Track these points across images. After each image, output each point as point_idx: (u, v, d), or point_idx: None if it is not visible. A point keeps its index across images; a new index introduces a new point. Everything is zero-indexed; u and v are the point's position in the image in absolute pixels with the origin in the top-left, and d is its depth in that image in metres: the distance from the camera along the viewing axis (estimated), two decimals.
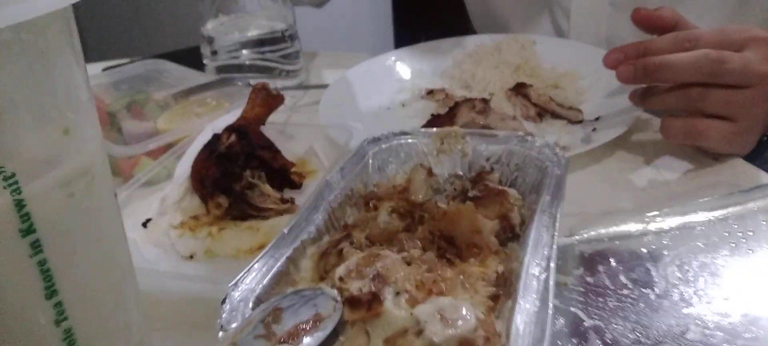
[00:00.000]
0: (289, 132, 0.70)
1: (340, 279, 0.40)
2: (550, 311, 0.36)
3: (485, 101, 0.68)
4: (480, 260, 0.43)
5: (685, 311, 0.42)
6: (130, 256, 0.30)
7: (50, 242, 0.24)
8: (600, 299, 0.45)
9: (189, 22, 0.84)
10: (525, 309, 0.37)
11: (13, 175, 0.22)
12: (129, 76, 0.79)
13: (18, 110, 0.22)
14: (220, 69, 0.79)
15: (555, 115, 0.71)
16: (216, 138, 0.60)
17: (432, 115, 0.70)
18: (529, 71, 0.77)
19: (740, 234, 0.46)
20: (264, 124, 0.65)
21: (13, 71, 0.22)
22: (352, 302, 0.38)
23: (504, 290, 0.41)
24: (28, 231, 0.23)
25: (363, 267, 0.40)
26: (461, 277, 0.41)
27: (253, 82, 0.71)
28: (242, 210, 0.57)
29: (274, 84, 0.69)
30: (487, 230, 0.44)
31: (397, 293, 0.38)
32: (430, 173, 0.53)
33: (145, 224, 0.56)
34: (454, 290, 0.40)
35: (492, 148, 0.56)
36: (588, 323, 0.43)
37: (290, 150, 0.64)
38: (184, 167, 0.61)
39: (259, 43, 0.77)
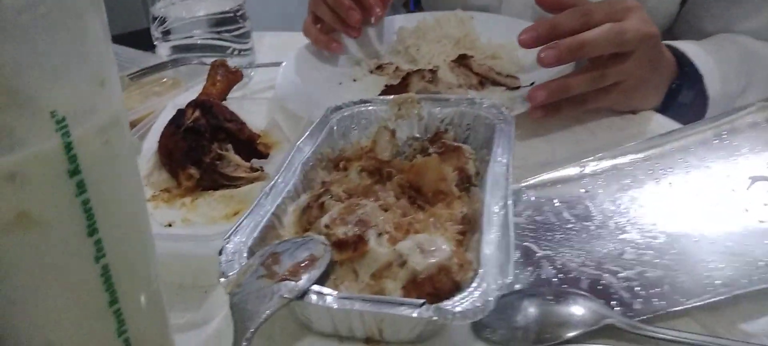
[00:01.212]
0: (248, 107, 0.72)
1: (326, 226, 0.44)
2: (512, 239, 0.42)
3: (433, 71, 0.73)
4: (446, 204, 0.48)
5: (620, 236, 0.49)
6: (146, 207, 0.33)
7: (92, 184, 0.27)
8: (548, 233, 0.51)
9: (134, 4, 0.84)
10: (490, 240, 0.43)
11: (64, 119, 0.25)
12: None
13: (66, 65, 0.25)
14: (173, 49, 0.80)
15: (495, 83, 0.77)
16: (180, 113, 0.62)
17: (386, 85, 0.75)
18: (469, 44, 0.83)
19: (662, 170, 0.54)
20: (225, 100, 0.68)
21: (59, 32, 0.24)
22: (339, 244, 0.43)
23: (469, 227, 0.46)
24: (75, 172, 0.26)
25: (345, 215, 0.45)
26: (432, 219, 0.46)
27: (207, 61, 0.73)
28: (214, 180, 0.59)
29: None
30: (450, 178, 0.50)
31: (379, 234, 0.43)
32: (393, 134, 0.58)
33: None
34: (427, 230, 0.45)
35: (445, 110, 0.61)
36: (540, 253, 0.49)
37: (252, 124, 0.66)
38: (149, 143, 0.63)
39: (211, 22, 0.78)
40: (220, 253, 0.42)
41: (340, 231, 0.43)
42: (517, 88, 0.76)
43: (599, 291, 0.44)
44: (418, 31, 0.85)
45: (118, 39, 0.85)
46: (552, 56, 0.62)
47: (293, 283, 0.38)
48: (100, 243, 0.28)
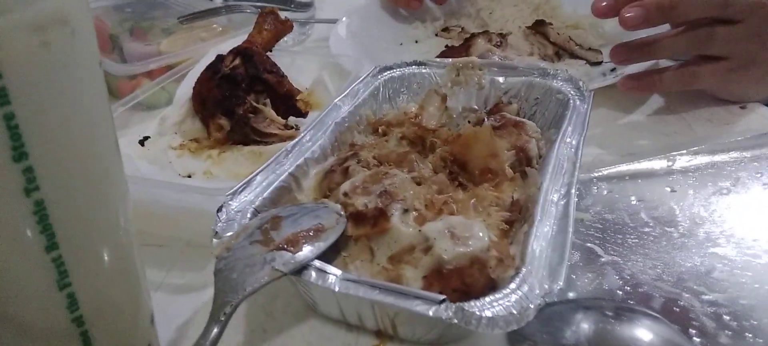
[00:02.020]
0: (298, 63, 0.67)
1: (345, 195, 0.37)
2: (570, 236, 0.34)
3: (502, 35, 0.64)
4: (495, 186, 0.40)
5: (711, 250, 0.40)
6: (119, 150, 0.28)
7: (19, 94, 0.21)
8: (619, 236, 0.42)
9: None
10: (542, 233, 0.34)
11: None
12: (132, 1, 0.75)
13: None
14: (229, 2, 0.75)
15: (573, 56, 0.67)
16: (219, 59, 0.57)
17: (446, 46, 0.67)
18: (550, 11, 0.73)
19: None
20: (271, 50, 0.62)
21: None
22: (356, 217, 0.36)
23: (519, 216, 0.38)
24: None
25: (370, 184, 0.38)
26: (473, 200, 0.39)
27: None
28: (244, 134, 0.54)
29: (284, 15, 0.66)
30: (503, 155, 0.41)
31: (405, 211, 0.36)
32: (444, 99, 0.50)
33: (142, 142, 0.53)
34: (465, 212, 0.38)
35: (511, 80, 0.52)
36: (605, 258, 0.40)
37: (297, 80, 0.61)
38: (185, 89, 0.58)
39: None
40: (220, 210, 0.36)
41: (360, 202, 0.36)
42: (600, 63, 0.66)
43: (675, 314, 0.35)
44: None
45: None
46: (638, 15, 0.52)
47: (290, 254, 0.32)
48: (31, 172, 0.22)
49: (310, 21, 0.78)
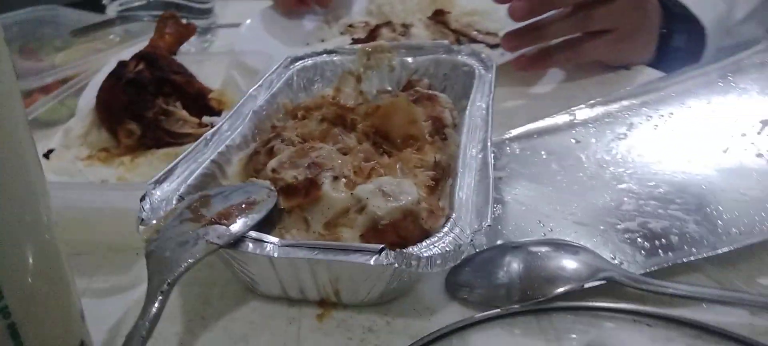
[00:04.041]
0: (204, 68, 0.65)
1: (274, 171, 0.37)
2: (491, 182, 0.36)
3: (405, 25, 0.67)
4: (417, 149, 0.41)
5: (618, 187, 0.43)
6: (35, 147, 0.26)
7: None
8: (535, 186, 0.45)
9: None
10: (466, 184, 0.36)
11: None
12: (18, 21, 0.71)
13: None
14: (126, 9, 0.72)
15: (473, 40, 0.71)
16: (122, 65, 0.55)
17: (352, 39, 0.68)
18: (447, 2, 0.77)
19: (661, 116, 0.48)
20: (175, 54, 0.61)
21: None
22: (287, 190, 0.36)
23: (443, 174, 0.40)
24: None
25: (297, 159, 0.38)
26: (399, 164, 0.40)
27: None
28: (157, 137, 0.52)
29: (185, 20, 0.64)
30: (422, 120, 0.43)
31: (336, 178, 0.36)
32: (359, 79, 0.51)
33: (46, 155, 0.50)
34: (393, 175, 0.39)
35: (419, 59, 0.55)
36: (525, 207, 0.43)
37: (206, 81, 0.60)
38: (87, 100, 0.56)
39: None
40: (143, 199, 0.35)
41: (289, 175, 0.36)
42: (497, 46, 0.70)
43: (595, 243, 0.38)
44: None
45: (69, 3, 0.78)
46: (523, 7, 0.56)
47: (224, 228, 0.31)
48: None
49: (211, 26, 0.77)
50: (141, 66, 0.55)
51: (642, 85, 0.51)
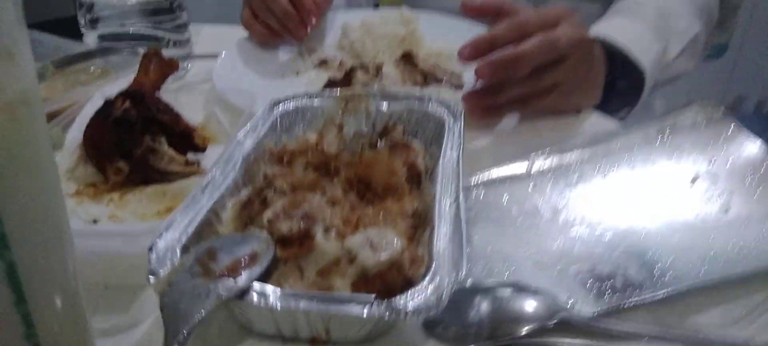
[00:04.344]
0: (184, 100, 0.68)
1: (269, 221, 0.41)
2: (464, 233, 0.41)
3: (378, 67, 0.71)
4: (396, 199, 0.46)
5: (570, 232, 0.49)
6: (64, 201, 0.29)
7: None
8: (499, 229, 0.50)
9: None
10: (442, 234, 0.41)
11: None
12: None
13: None
14: (102, 39, 0.74)
15: (439, 81, 0.76)
16: (108, 103, 0.57)
17: (329, 79, 0.72)
18: (414, 43, 0.82)
19: (608, 167, 0.54)
20: (159, 90, 0.63)
21: None
22: (284, 240, 0.40)
23: (420, 222, 0.45)
24: None
25: (290, 209, 0.42)
26: (382, 213, 0.44)
27: (140, 50, 0.68)
28: (145, 174, 0.55)
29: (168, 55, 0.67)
30: (400, 172, 0.48)
31: (327, 230, 0.41)
32: (340, 128, 0.55)
33: None
34: (377, 225, 0.43)
35: (394, 106, 0.59)
36: (490, 249, 0.48)
37: (189, 117, 0.62)
38: (74, 135, 0.57)
39: (145, 12, 0.73)
40: (150, 250, 0.38)
41: (285, 226, 0.40)
42: (461, 86, 0.76)
43: (552, 284, 0.43)
44: (363, 27, 0.83)
45: (42, 26, 0.79)
46: (487, 70, 0.62)
47: (232, 281, 0.35)
48: (3, 237, 0.24)
49: (189, 57, 0.79)
50: (127, 104, 0.57)
51: (591, 137, 0.58)
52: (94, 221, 0.50)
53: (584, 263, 0.46)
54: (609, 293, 0.42)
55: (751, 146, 0.53)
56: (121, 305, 0.43)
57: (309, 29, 0.80)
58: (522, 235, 0.49)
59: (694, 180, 0.52)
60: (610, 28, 0.73)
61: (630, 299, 0.41)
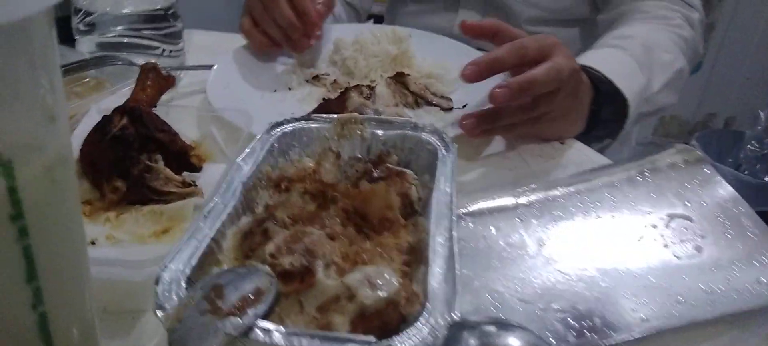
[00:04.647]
0: (177, 115, 0.69)
1: (271, 255, 0.43)
2: (457, 273, 0.43)
3: (371, 88, 0.73)
4: (393, 234, 0.48)
5: (553, 267, 0.52)
6: (85, 238, 0.30)
7: (35, 227, 0.24)
8: (484, 261, 0.53)
9: None
10: (436, 273, 0.43)
11: (10, 161, 0.22)
12: None
13: (15, 100, 0.22)
14: (96, 46, 0.74)
15: (429, 103, 0.78)
16: (106, 120, 0.58)
17: (323, 99, 0.74)
18: (406, 62, 0.84)
19: (591, 204, 0.57)
20: (155, 106, 0.64)
21: (9, 64, 0.22)
22: (285, 275, 0.41)
23: (415, 257, 0.47)
24: (18, 217, 0.23)
25: (291, 244, 0.44)
26: (379, 249, 0.46)
27: (135, 60, 0.69)
28: (142, 194, 0.56)
29: (165, 70, 0.67)
30: (397, 206, 0.49)
31: (327, 265, 0.42)
32: (338, 156, 0.57)
33: None
34: (374, 260, 0.45)
35: (388, 133, 0.61)
36: (477, 282, 0.51)
37: (181, 132, 0.63)
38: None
39: (141, 19, 0.73)
40: (157, 283, 0.39)
41: (287, 261, 0.42)
42: (450, 109, 0.78)
43: (535, 322, 0.46)
44: (355, 44, 0.85)
45: None
46: (505, 94, 0.65)
47: (238, 319, 0.36)
48: (39, 290, 0.25)
49: (181, 68, 0.80)
50: (125, 121, 0.58)
51: (576, 174, 0.60)
52: (92, 242, 0.50)
53: (566, 300, 0.48)
54: (588, 333, 0.45)
55: (722, 191, 0.56)
56: (121, 330, 0.45)
57: (312, 42, 0.81)
58: (507, 269, 0.52)
59: (670, 220, 0.55)
60: (596, 58, 0.76)
61: (607, 340, 0.44)
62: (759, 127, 2.15)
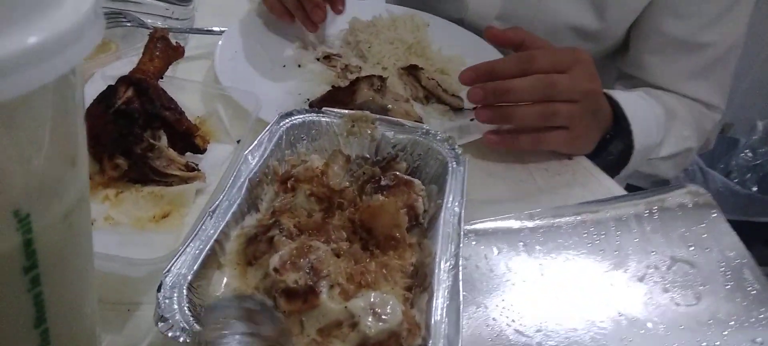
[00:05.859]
0: (180, 85, 0.66)
1: (276, 270, 0.42)
2: (460, 306, 0.43)
3: (382, 80, 0.71)
4: (398, 253, 0.47)
5: (555, 296, 0.52)
6: (92, 266, 0.29)
7: (48, 275, 0.23)
8: (484, 283, 0.53)
9: None
10: (439, 305, 0.43)
11: (28, 215, 0.21)
12: None
13: (37, 155, 0.21)
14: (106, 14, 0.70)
15: (440, 101, 0.77)
16: (111, 91, 0.56)
17: (332, 86, 0.72)
18: (420, 51, 0.82)
19: (595, 236, 0.57)
20: (162, 78, 0.62)
21: (37, 118, 0.20)
22: (289, 293, 0.41)
23: (418, 282, 0.46)
24: (31, 268, 0.22)
25: (297, 259, 0.43)
26: (384, 270, 0.46)
27: (146, 21, 0.66)
28: (143, 174, 0.54)
29: (160, 24, 0.64)
30: (404, 224, 0.49)
31: (331, 286, 0.42)
32: (348, 159, 0.56)
33: None
34: (378, 282, 0.44)
35: (399, 136, 0.60)
36: (474, 307, 0.50)
37: (187, 107, 0.61)
38: None
39: None
40: (159, 290, 0.38)
41: (291, 279, 0.41)
42: (461, 108, 0.76)
43: None
44: (371, 27, 0.82)
45: None
46: (476, 95, 0.65)
47: None
48: (46, 334, 0.24)
49: (190, 30, 0.77)
50: (130, 92, 0.56)
51: (584, 203, 0.60)
52: (91, 222, 0.49)
53: (562, 337, 0.48)
54: None
55: (728, 239, 0.56)
56: (116, 323, 0.44)
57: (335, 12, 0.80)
58: (506, 294, 0.52)
59: (672, 264, 0.55)
60: (623, 97, 0.75)
61: None
62: (755, 137, 2.16)
